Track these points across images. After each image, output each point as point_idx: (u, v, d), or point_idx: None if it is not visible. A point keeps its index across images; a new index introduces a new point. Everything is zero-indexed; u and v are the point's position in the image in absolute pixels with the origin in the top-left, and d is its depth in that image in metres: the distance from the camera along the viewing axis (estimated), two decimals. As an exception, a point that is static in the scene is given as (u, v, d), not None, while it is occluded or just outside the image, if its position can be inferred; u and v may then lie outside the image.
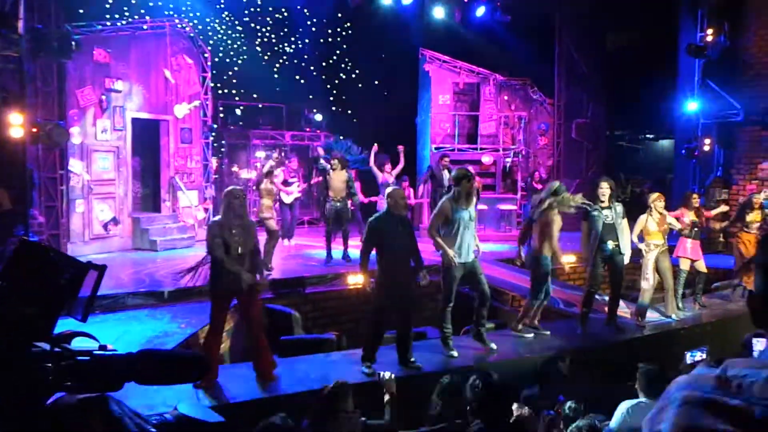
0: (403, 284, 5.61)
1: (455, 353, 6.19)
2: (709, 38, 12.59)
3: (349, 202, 9.93)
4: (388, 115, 14.62)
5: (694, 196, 8.31)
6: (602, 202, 6.76)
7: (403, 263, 5.63)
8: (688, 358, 5.34)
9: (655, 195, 7.47)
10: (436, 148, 14.27)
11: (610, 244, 6.74)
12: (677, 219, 7.79)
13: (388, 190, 5.95)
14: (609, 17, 14.27)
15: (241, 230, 5.17)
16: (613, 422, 3.99)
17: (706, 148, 12.82)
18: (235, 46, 15.71)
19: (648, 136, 17.88)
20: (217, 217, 5.33)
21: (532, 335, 6.88)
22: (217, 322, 5.26)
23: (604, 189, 6.75)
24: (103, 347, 1.20)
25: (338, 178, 9.96)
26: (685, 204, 8.17)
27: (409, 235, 5.69)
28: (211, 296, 5.33)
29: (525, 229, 6.82)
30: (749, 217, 8.67)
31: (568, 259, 10.06)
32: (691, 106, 12.89)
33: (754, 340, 3.38)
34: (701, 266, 8.12)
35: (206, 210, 12.63)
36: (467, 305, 6.54)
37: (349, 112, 16.70)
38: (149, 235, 11.55)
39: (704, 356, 4.62)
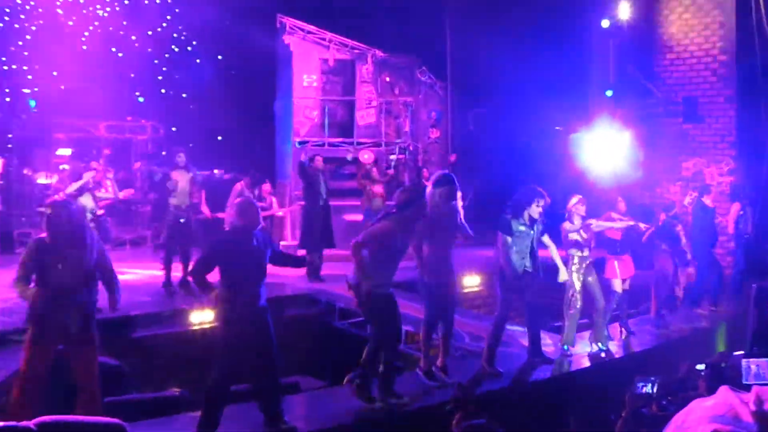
0: (257, 320, 5.62)
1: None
2: (622, 16, 13.28)
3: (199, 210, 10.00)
4: (237, 98, 14.84)
5: (620, 199, 8.70)
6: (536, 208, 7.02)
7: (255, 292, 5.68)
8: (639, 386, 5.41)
9: (575, 198, 7.70)
10: (300, 143, 14.40)
11: (525, 260, 6.93)
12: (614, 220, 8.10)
13: (236, 200, 6.05)
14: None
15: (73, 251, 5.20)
16: None
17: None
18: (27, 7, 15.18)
19: (558, 128, 17.76)
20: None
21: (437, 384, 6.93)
22: (33, 374, 5.22)
23: (536, 210, 6.98)
24: None
25: (183, 178, 9.99)
26: (612, 209, 8.51)
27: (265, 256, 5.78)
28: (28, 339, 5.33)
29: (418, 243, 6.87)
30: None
31: (472, 282, 10.85)
32: (606, 95, 13.58)
33: (747, 362, 3.72)
34: (624, 283, 8.47)
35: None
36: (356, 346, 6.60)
37: (184, 95, 16.49)
38: None
39: (654, 388, 4.84)
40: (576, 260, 7.64)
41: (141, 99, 16.79)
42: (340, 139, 14.93)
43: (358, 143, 14.77)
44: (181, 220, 10.01)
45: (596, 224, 7.62)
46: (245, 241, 5.60)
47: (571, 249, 7.67)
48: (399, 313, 6.20)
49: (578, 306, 7.57)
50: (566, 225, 7.67)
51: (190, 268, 6.79)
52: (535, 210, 6.89)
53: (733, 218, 10.67)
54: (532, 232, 6.97)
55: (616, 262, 8.38)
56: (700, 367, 5.24)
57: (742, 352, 5.05)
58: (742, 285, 9.85)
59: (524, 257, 6.93)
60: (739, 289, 10.09)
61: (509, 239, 6.90)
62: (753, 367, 3.59)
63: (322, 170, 11.57)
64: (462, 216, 6.85)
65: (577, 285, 7.60)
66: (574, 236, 7.58)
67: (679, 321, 9.24)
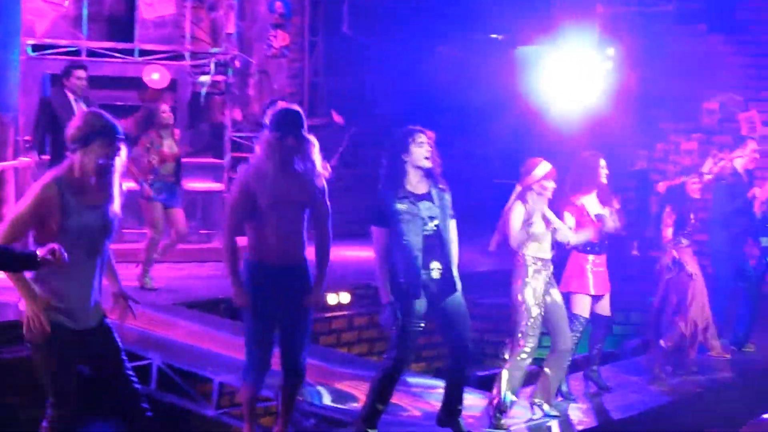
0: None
1: None
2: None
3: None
4: None
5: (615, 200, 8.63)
6: (413, 184, 6.50)
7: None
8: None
9: (542, 167, 7.13)
10: (34, 48, 12.67)
11: (433, 269, 6.33)
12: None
13: None
14: None
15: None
16: None
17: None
18: None
19: (495, 36, 17.55)
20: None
21: None
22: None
23: (420, 153, 6.33)
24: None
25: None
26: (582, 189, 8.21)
27: None
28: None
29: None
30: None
31: (336, 301, 10.76)
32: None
33: None
34: (605, 307, 8.13)
35: None
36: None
37: None
38: None
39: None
40: (531, 269, 7.13)
41: None
42: (110, 44, 12.93)
43: (143, 52, 12.99)
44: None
45: (555, 223, 7.26)
46: None
47: (525, 249, 7.12)
48: None
49: (532, 344, 7.08)
50: (516, 212, 7.08)
51: None
52: (421, 157, 6.26)
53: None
54: (427, 208, 6.35)
55: (588, 268, 7.99)
56: None
57: None
58: None
59: (434, 259, 6.35)
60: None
61: (384, 230, 6.36)
62: None
63: (84, 96, 10.48)
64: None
65: (534, 307, 7.08)
66: (537, 229, 7.18)
67: (684, 370, 8.83)
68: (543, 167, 7.06)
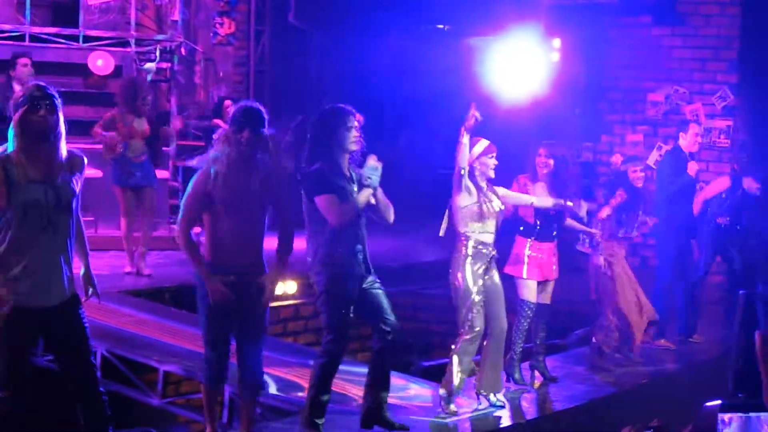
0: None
1: None
2: None
3: None
4: None
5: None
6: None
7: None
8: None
9: (480, 144, 7.12)
10: None
11: (360, 247, 6.41)
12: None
13: None
14: None
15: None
16: None
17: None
18: None
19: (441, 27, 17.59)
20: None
21: None
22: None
23: (349, 137, 6.30)
24: None
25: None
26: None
27: None
28: None
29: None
30: None
31: (285, 290, 10.77)
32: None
33: (723, 417, 4.30)
34: (545, 296, 8.14)
35: None
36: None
37: None
38: None
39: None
40: (471, 251, 7.11)
41: None
42: (55, 29, 12.82)
43: (87, 38, 12.84)
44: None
45: (510, 197, 7.42)
46: None
47: (465, 229, 7.12)
48: None
49: (477, 329, 7.05)
50: (462, 196, 7.13)
51: None
52: (350, 142, 6.19)
53: (713, 193, 10.16)
54: (352, 191, 6.40)
55: (525, 252, 7.98)
56: None
57: (717, 402, 5.05)
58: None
59: (358, 242, 6.35)
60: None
61: (335, 196, 6.31)
62: (733, 424, 3.94)
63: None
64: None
65: (473, 288, 7.07)
66: (472, 209, 7.14)
67: (628, 361, 8.88)
68: (481, 144, 7.00)
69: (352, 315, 6.37)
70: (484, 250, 7.10)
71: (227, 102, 12.47)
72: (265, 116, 5.98)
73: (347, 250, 6.26)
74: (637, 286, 8.80)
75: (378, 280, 6.44)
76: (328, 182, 6.16)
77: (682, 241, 9.49)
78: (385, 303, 6.39)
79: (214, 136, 6.01)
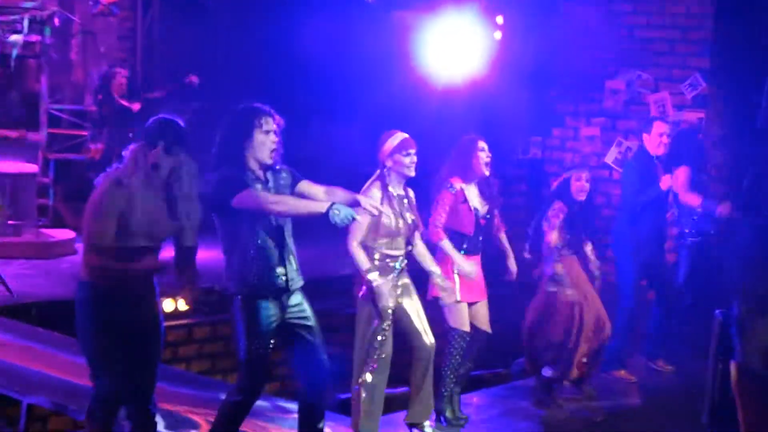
0: None
1: None
2: None
3: None
4: None
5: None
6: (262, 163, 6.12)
7: None
8: None
9: (396, 137, 6.84)
10: None
11: (279, 274, 6.01)
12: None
13: None
14: None
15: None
16: None
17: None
18: None
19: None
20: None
21: None
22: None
23: (265, 143, 6.01)
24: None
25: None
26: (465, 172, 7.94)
27: None
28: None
29: None
30: None
31: (172, 306, 10.45)
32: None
33: None
34: (480, 318, 7.65)
35: None
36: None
37: None
38: None
39: None
40: (377, 266, 6.89)
41: None
42: None
43: None
44: None
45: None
46: None
47: (375, 244, 6.85)
48: None
49: (384, 356, 6.78)
50: (370, 196, 6.77)
51: None
52: (267, 150, 5.94)
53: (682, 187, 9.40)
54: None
55: (457, 272, 7.46)
56: None
57: None
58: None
59: (276, 257, 6.01)
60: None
61: (254, 192, 6.00)
62: None
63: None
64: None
65: (385, 315, 6.80)
66: (375, 221, 6.85)
67: (582, 394, 8.42)
68: (395, 138, 6.70)
69: (271, 347, 6.03)
70: (392, 267, 6.86)
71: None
72: (184, 131, 5.77)
73: (267, 268, 5.97)
74: (598, 303, 8.25)
75: (307, 307, 6.11)
76: (241, 180, 5.84)
77: (648, 259, 9.02)
78: (317, 350, 6.06)
79: (124, 153, 5.75)
